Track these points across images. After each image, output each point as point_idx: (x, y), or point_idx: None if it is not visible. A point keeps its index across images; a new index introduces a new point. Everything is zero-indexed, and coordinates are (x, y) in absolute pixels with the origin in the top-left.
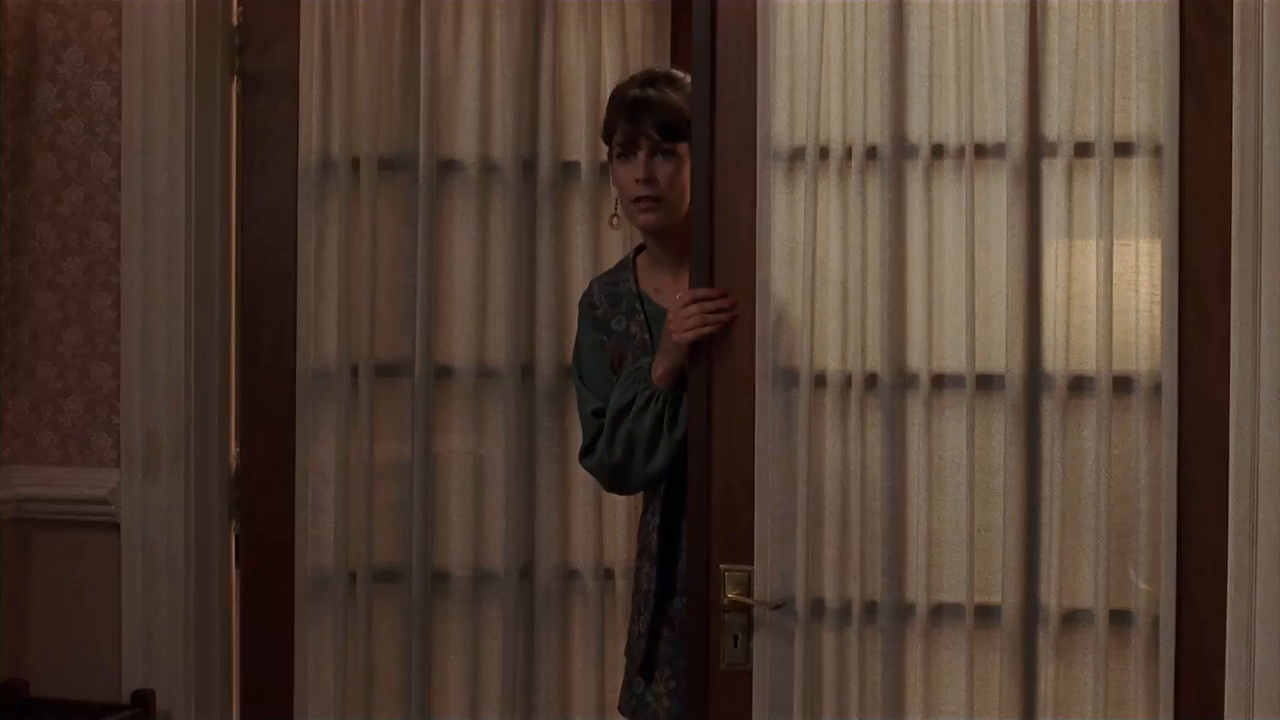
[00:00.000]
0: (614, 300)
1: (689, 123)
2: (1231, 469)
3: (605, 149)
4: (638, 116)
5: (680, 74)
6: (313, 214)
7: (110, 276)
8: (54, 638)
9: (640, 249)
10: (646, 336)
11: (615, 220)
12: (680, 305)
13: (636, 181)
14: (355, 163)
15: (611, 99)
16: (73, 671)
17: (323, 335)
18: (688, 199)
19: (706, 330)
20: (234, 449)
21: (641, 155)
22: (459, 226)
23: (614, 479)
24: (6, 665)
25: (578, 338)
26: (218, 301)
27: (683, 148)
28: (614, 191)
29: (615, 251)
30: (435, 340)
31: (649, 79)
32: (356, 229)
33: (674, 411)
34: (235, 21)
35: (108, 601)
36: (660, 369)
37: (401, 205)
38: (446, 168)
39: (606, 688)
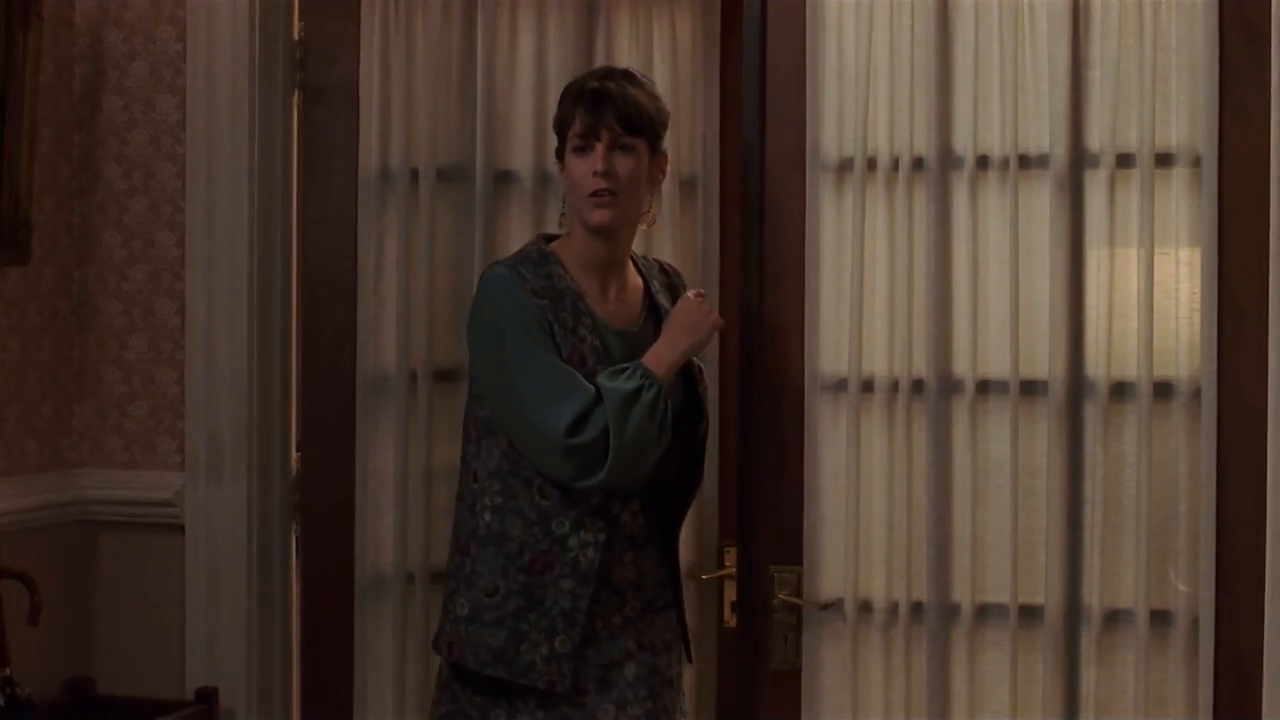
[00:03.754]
0: (554, 296)
1: (649, 119)
2: (1269, 472)
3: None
4: (599, 108)
5: (639, 73)
6: (372, 223)
7: (175, 284)
8: (119, 636)
9: (549, 239)
10: (598, 343)
11: (564, 220)
12: (695, 300)
13: (594, 175)
14: (414, 173)
15: (568, 91)
16: (137, 669)
17: (382, 341)
18: (640, 199)
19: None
20: (294, 453)
21: (600, 148)
22: (515, 235)
23: (617, 464)
24: (73, 663)
25: (508, 310)
26: (279, 308)
27: (640, 144)
28: (562, 188)
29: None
30: None
31: (608, 73)
32: (415, 238)
33: (671, 412)
34: (297, 35)
35: (172, 601)
36: (667, 362)
37: (459, 215)
38: (502, 178)
39: None
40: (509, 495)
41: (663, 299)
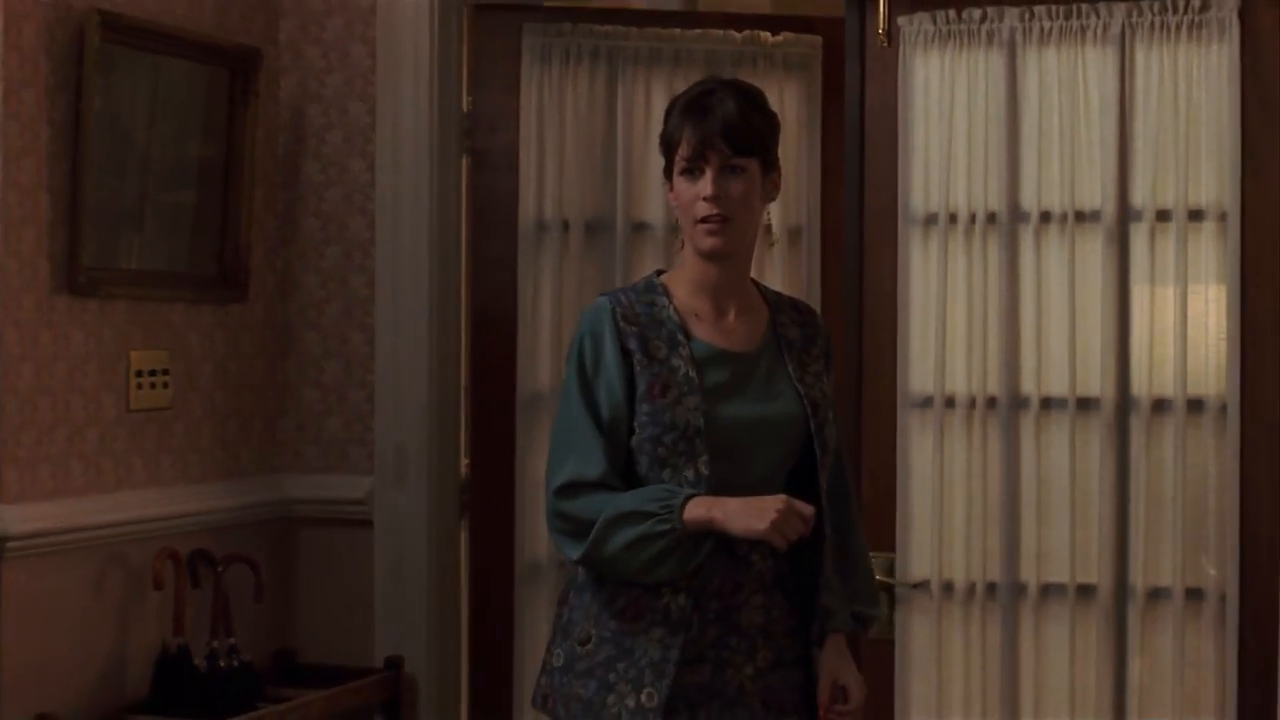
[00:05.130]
0: (651, 324)
1: (759, 137)
2: None
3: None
4: (706, 127)
5: (747, 83)
6: (530, 267)
7: (365, 318)
8: (317, 614)
9: (661, 273)
10: (692, 373)
11: (681, 245)
12: (777, 501)
13: (704, 199)
14: (565, 225)
15: (673, 104)
16: (333, 642)
17: (538, 367)
18: (755, 224)
19: (776, 540)
20: (464, 461)
21: (710, 172)
22: None
23: (590, 559)
24: (279, 637)
25: (581, 343)
26: (452, 338)
27: (752, 164)
28: (673, 210)
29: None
30: None
31: (714, 87)
32: (566, 279)
33: (686, 552)
34: (466, 109)
35: (362, 584)
36: (701, 519)
37: (602, 259)
38: (639, 228)
39: None
40: None
41: (791, 332)
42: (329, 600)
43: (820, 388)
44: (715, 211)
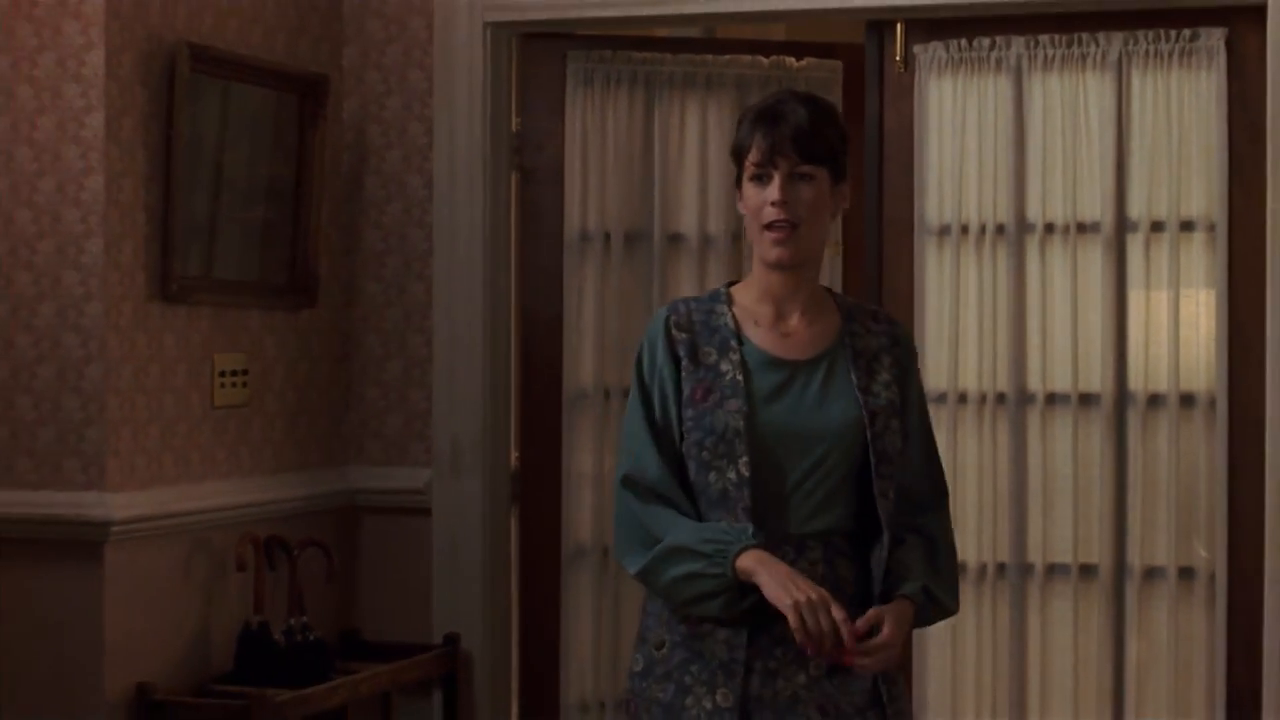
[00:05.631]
0: (705, 330)
1: (828, 146)
2: (1268, 465)
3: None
4: (777, 134)
5: (819, 96)
6: (574, 275)
7: (422, 322)
8: (379, 595)
9: (733, 283)
10: (738, 377)
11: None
12: (816, 591)
13: (771, 204)
14: (606, 236)
15: (745, 114)
16: (394, 621)
17: (582, 367)
18: (821, 233)
19: (793, 621)
20: (514, 453)
21: (778, 177)
22: (684, 283)
23: (641, 575)
24: (344, 617)
25: (640, 350)
26: (503, 340)
27: (821, 173)
28: (743, 219)
29: None
30: None
31: (786, 96)
32: (607, 286)
33: (733, 597)
34: (515, 129)
35: (421, 568)
36: (747, 570)
37: (640, 267)
38: (674, 239)
39: None
40: None
41: (864, 341)
42: (390, 582)
43: (887, 396)
44: (782, 217)
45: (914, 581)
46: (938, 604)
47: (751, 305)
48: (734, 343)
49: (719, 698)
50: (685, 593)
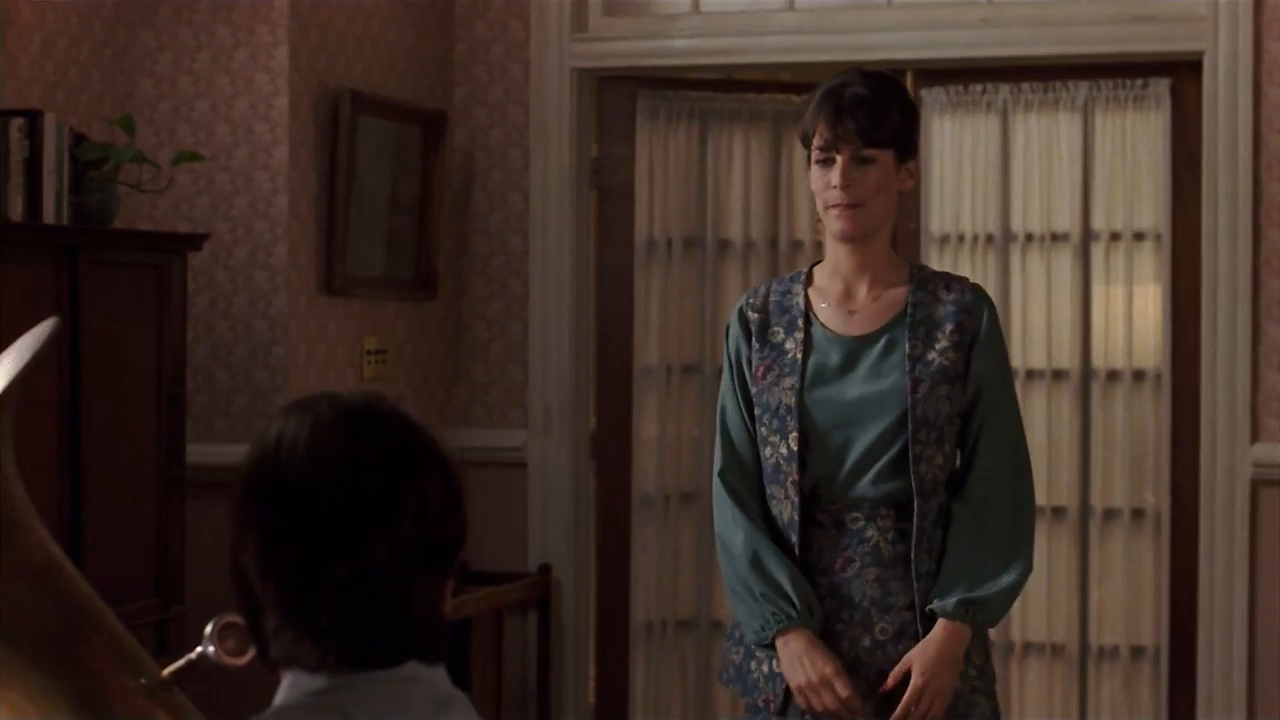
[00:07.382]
0: (781, 309)
1: (892, 129)
2: (1202, 426)
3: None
4: (839, 119)
5: (887, 74)
6: (642, 274)
7: (520, 312)
8: (484, 533)
9: (815, 264)
10: (798, 356)
11: (820, 226)
12: (826, 674)
13: (833, 187)
14: (669, 242)
15: (812, 97)
16: (496, 554)
17: (648, 350)
18: (888, 208)
19: (798, 697)
20: (592, 418)
21: (841, 161)
22: (731, 282)
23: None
24: None
25: (730, 334)
26: (585, 327)
27: (884, 155)
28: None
29: None
30: (718, 350)
31: (851, 79)
32: (670, 283)
33: (763, 647)
34: (595, 155)
35: (519, 511)
36: (779, 641)
37: (696, 268)
38: (723, 244)
39: None
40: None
41: (927, 309)
42: (493, 523)
43: (940, 362)
44: (844, 201)
45: (947, 596)
46: (981, 605)
47: (825, 282)
48: (801, 321)
49: (774, 664)
50: (739, 613)
